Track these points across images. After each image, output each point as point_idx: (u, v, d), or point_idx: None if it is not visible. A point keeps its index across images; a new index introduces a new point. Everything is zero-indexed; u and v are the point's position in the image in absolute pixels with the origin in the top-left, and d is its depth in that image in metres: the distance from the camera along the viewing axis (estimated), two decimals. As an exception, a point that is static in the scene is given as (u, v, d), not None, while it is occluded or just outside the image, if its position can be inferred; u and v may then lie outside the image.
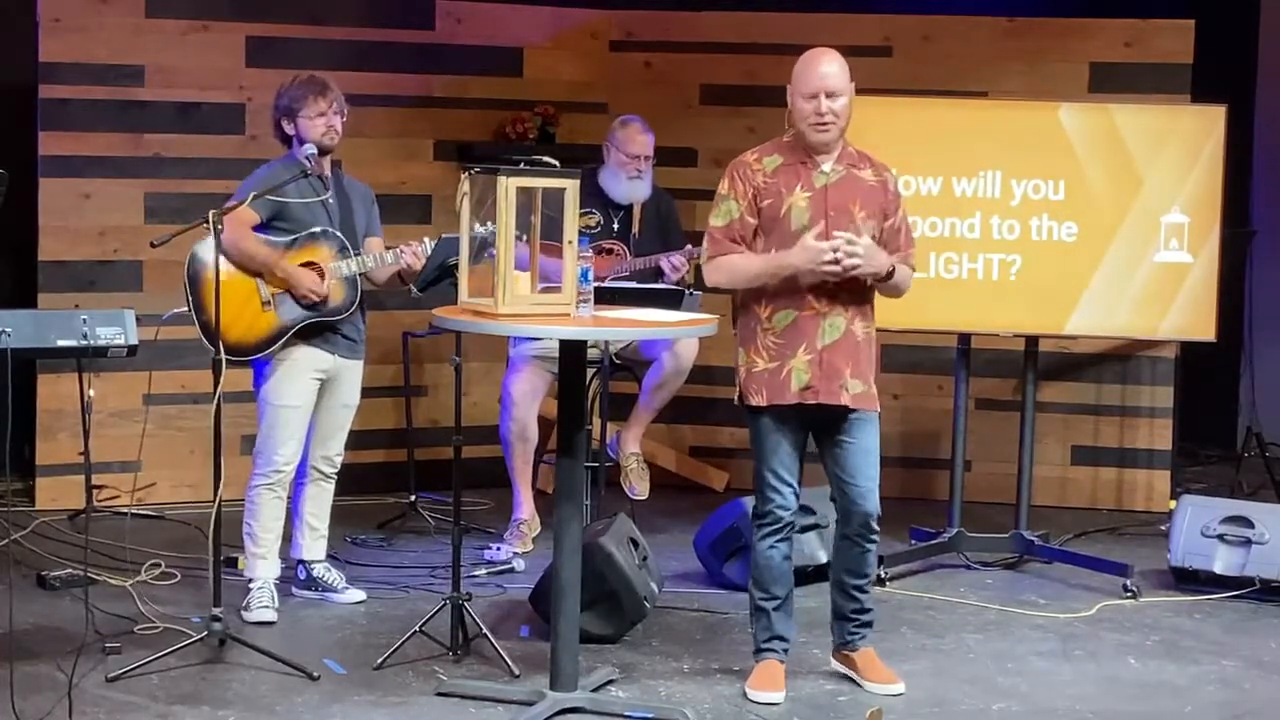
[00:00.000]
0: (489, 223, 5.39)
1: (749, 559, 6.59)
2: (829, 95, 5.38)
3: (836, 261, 5.30)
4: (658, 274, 7.40)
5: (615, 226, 7.45)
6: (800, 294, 5.38)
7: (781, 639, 5.57)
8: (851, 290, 5.41)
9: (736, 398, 5.52)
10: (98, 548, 6.38)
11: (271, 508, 6.24)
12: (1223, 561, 6.82)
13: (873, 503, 5.52)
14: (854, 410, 5.44)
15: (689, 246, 7.40)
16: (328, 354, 6.27)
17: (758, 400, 5.44)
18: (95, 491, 7.39)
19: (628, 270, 7.34)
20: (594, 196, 7.26)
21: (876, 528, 5.56)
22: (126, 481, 7.31)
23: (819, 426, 5.50)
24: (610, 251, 7.39)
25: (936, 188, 7.05)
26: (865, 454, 5.49)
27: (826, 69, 5.41)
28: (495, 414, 7.48)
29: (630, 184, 7.41)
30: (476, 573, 6.75)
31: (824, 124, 5.39)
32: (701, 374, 7.79)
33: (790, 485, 5.48)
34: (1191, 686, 5.75)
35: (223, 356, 5.60)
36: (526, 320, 5.33)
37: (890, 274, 5.44)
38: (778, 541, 5.51)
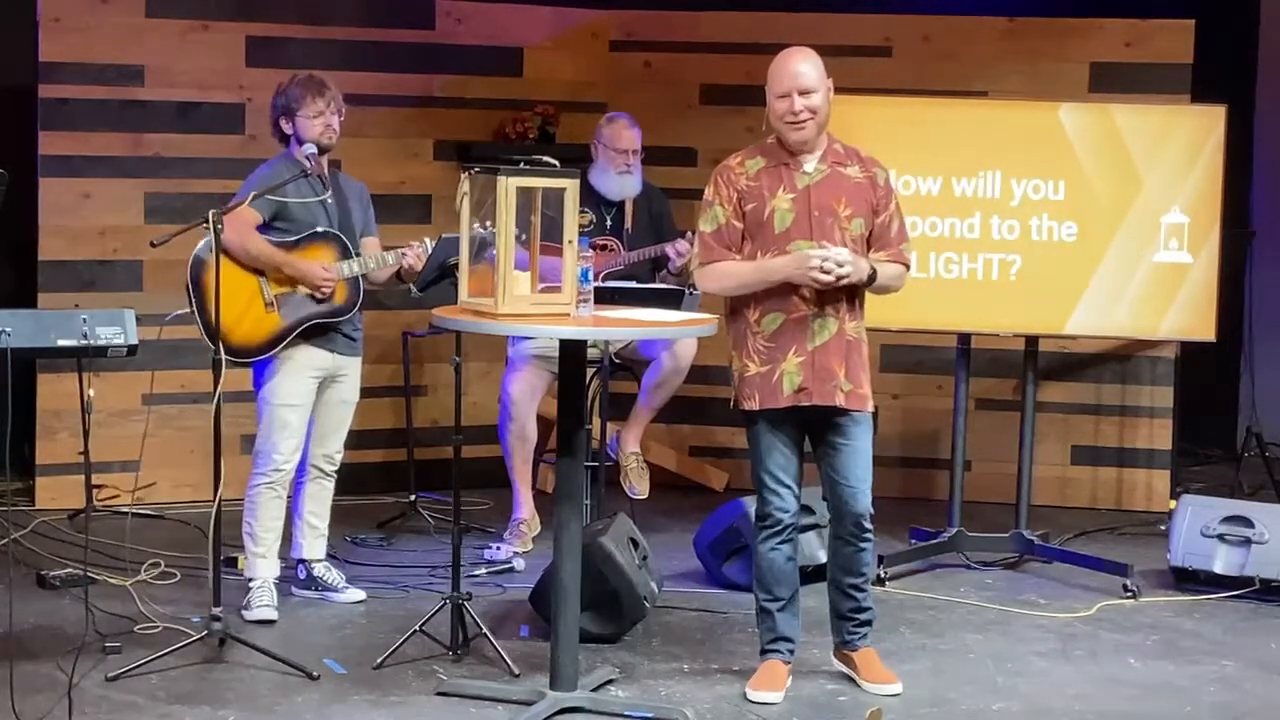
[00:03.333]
0: (489, 223, 5.40)
1: (749, 558, 6.62)
2: (801, 93, 5.36)
3: (826, 271, 5.29)
4: (654, 267, 7.41)
5: (608, 223, 7.46)
6: (788, 297, 5.37)
7: (786, 640, 5.57)
8: (841, 291, 5.39)
9: (732, 402, 5.53)
10: (98, 547, 6.38)
11: (271, 507, 6.25)
12: (1222, 561, 6.82)
13: (864, 502, 5.51)
14: (848, 410, 5.45)
15: (690, 233, 7.41)
16: (328, 353, 6.28)
17: (751, 405, 5.44)
18: (95, 491, 7.39)
19: (622, 265, 7.35)
20: (586, 195, 7.22)
21: (869, 526, 5.55)
22: (126, 481, 7.31)
23: (814, 427, 5.50)
24: (605, 248, 7.39)
25: (936, 188, 7.05)
26: (857, 454, 5.49)
27: (797, 67, 5.39)
28: (495, 414, 7.48)
29: (620, 179, 7.42)
30: (476, 572, 6.75)
31: (799, 122, 5.38)
32: (701, 374, 7.78)
33: (789, 487, 5.47)
34: (1191, 686, 5.75)
35: (223, 356, 5.61)
36: (526, 320, 5.33)
37: (873, 278, 5.43)
38: (779, 543, 5.51)
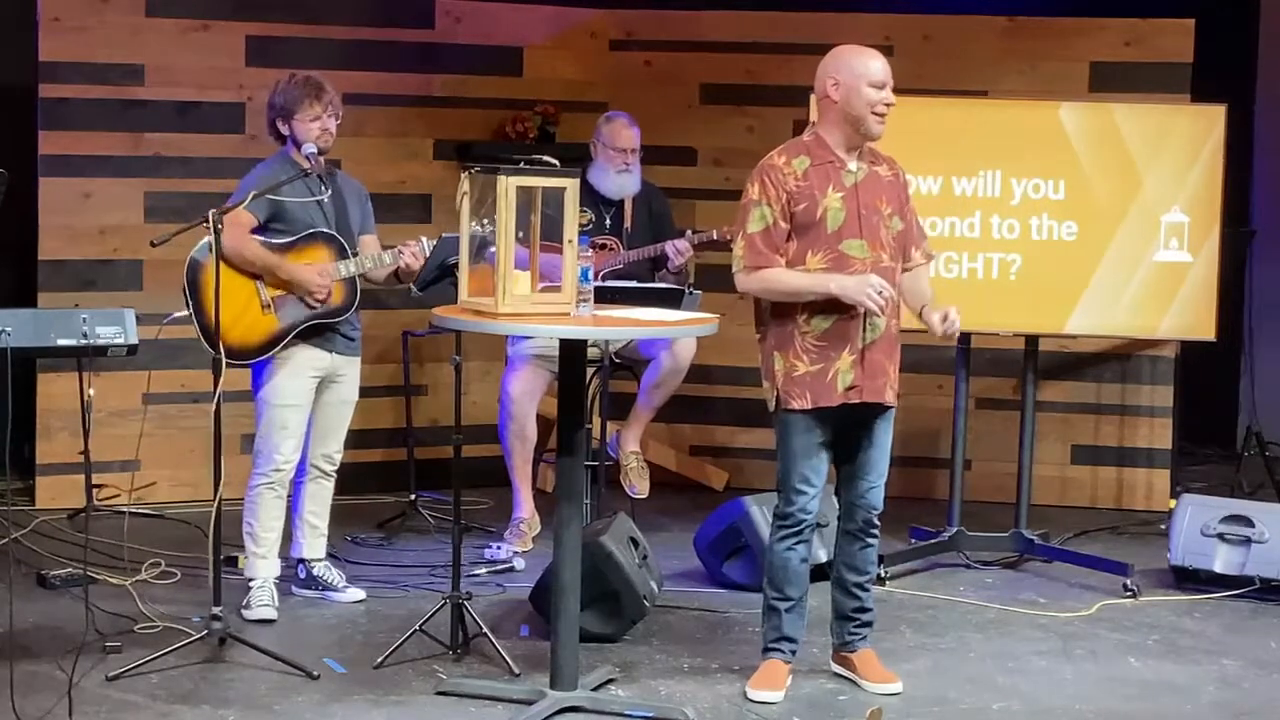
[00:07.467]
0: (488, 221, 5.40)
1: (749, 558, 6.64)
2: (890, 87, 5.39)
3: (882, 304, 5.29)
4: (653, 266, 7.41)
5: (608, 222, 7.47)
6: None
7: (790, 640, 5.57)
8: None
9: (772, 403, 5.44)
10: (98, 547, 6.38)
11: (272, 507, 6.24)
12: (1222, 561, 6.82)
13: (878, 499, 5.55)
14: (887, 407, 5.46)
15: (689, 232, 7.41)
16: (325, 352, 6.27)
17: (800, 404, 5.38)
18: (95, 491, 7.39)
19: (621, 264, 7.34)
20: (585, 194, 7.23)
21: (878, 523, 5.58)
22: (126, 481, 7.31)
23: (848, 425, 5.47)
24: (604, 247, 7.39)
25: (936, 187, 7.05)
26: (884, 451, 5.52)
27: (884, 61, 5.40)
28: (495, 413, 7.48)
29: (619, 178, 7.42)
30: (476, 572, 6.75)
31: (884, 116, 5.37)
32: (701, 373, 7.79)
33: (816, 488, 5.45)
34: (1191, 686, 5.75)
35: (223, 356, 5.60)
36: (526, 319, 5.33)
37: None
38: (796, 543, 5.49)
